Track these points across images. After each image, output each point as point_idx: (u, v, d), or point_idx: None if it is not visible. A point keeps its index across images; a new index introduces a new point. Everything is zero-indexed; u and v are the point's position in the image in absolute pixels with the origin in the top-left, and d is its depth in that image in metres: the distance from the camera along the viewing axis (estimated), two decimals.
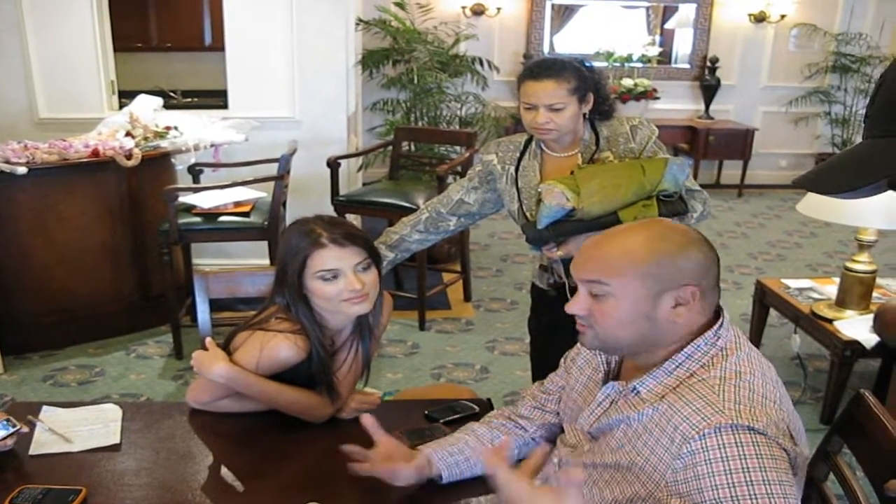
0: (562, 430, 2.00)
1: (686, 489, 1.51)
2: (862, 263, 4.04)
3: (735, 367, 1.62)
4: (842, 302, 4.11)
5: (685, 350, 1.66)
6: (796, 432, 1.58)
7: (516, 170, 2.89)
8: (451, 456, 1.98)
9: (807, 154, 9.63)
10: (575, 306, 1.71)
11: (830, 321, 4.02)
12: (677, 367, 1.66)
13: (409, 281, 5.53)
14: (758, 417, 1.51)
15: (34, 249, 4.55)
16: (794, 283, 4.55)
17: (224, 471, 2.02)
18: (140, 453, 2.13)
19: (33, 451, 2.10)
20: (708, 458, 1.49)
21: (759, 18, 9.14)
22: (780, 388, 1.64)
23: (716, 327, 1.68)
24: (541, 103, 2.68)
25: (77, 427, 2.21)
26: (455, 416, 2.34)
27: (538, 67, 2.75)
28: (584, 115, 2.79)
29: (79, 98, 5.72)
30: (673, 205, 2.65)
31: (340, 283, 2.18)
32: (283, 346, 2.19)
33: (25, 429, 2.08)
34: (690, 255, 1.66)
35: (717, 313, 1.72)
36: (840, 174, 1.28)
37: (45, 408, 2.31)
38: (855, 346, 3.86)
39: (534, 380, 2.89)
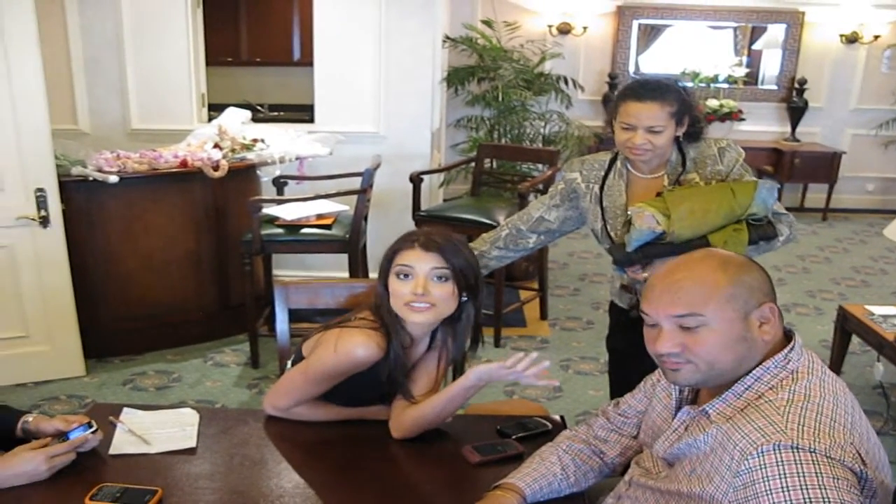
0: (639, 451, 2.00)
1: None
2: None
3: (805, 390, 1.60)
4: None
5: (754, 372, 1.65)
6: (870, 457, 1.55)
7: (601, 189, 2.88)
8: (540, 489, 1.99)
9: None
10: (667, 344, 1.68)
11: None
12: (746, 389, 1.65)
13: (485, 297, 5.51)
14: (820, 440, 1.49)
15: (121, 256, 4.67)
16: (878, 310, 4.42)
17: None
18: (215, 458, 2.17)
19: (113, 450, 2.16)
20: (766, 476, 1.47)
21: (851, 39, 8.94)
22: (855, 415, 1.62)
23: (786, 350, 1.67)
24: (641, 125, 2.66)
25: (155, 429, 2.27)
26: (527, 433, 2.34)
27: (642, 88, 2.71)
28: (677, 137, 2.78)
29: (170, 110, 5.87)
30: (762, 228, 2.63)
31: (410, 284, 2.22)
32: (360, 343, 2.21)
33: (101, 435, 2.14)
34: (754, 274, 1.68)
35: (789, 337, 1.71)
36: None
37: (125, 409, 2.37)
38: None
39: (611, 398, 2.87)
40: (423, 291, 2.21)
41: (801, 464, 1.47)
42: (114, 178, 4.34)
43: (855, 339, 4.58)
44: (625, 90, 2.78)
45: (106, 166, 4.41)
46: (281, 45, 9.08)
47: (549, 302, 5.72)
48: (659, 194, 2.67)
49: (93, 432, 2.09)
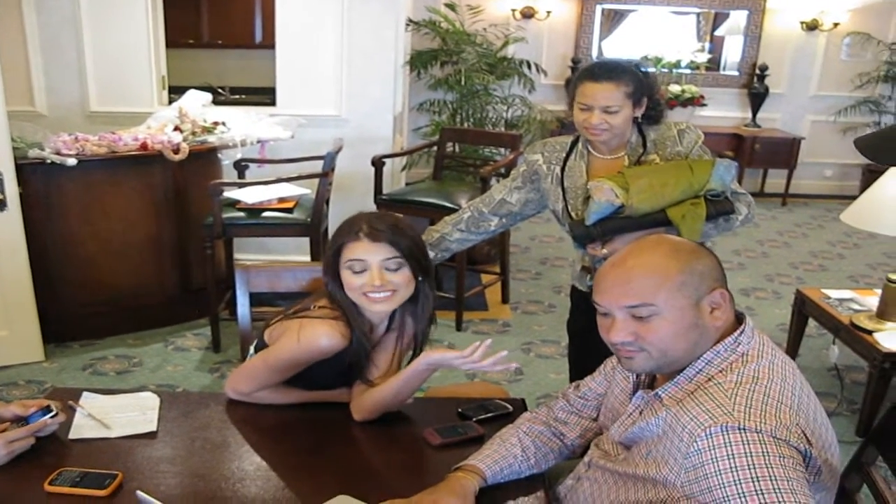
0: (599, 433, 2.02)
1: (695, 489, 1.53)
2: None
3: (753, 372, 1.64)
4: (883, 314, 4.04)
5: (705, 356, 1.69)
6: (816, 437, 1.59)
7: (562, 170, 2.91)
8: (501, 470, 2.00)
9: (854, 164, 9.47)
10: (620, 334, 1.70)
11: (870, 332, 3.96)
12: (697, 372, 1.68)
13: (447, 281, 5.54)
14: (767, 421, 1.52)
15: (80, 240, 4.62)
16: (834, 294, 4.48)
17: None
18: (176, 441, 2.17)
19: (72, 435, 2.14)
20: (714, 457, 1.51)
21: (812, 26, 9.03)
22: (803, 396, 1.65)
23: (736, 334, 1.70)
24: (597, 105, 2.71)
25: (115, 413, 2.25)
26: (488, 415, 2.35)
27: (598, 69, 2.77)
28: (636, 118, 2.81)
29: (130, 92, 5.80)
30: (721, 204, 2.68)
31: (365, 276, 2.21)
32: (323, 334, 2.21)
33: (63, 417, 2.12)
34: (705, 261, 1.71)
35: (740, 320, 1.74)
36: None
37: (85, 394, 2.36)
38: (894, 358, 3.80)
39: (571, 381, 2.90)
40: (380, 283, 2.21)
41: (748, 444, 1.50)
42: (72, 161, 4.28)
43: (812, 323, 4.64)
44: (582, 72, 2.83)
45: (64, 149, 4.36)
46: (242, 27, 9.04)
47: (510, 286, 5.74)
48: (620, 173, 2.71)
49: (52, 417, 2.07)
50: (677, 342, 1.67)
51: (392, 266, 2.23)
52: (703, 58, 9.19)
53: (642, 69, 2.83)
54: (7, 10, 5.38)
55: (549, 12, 8.82)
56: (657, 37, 9.19)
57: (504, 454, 2.01)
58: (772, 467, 1.47)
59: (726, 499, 1.47)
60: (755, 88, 9.08)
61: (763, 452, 1.48)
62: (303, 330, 2.23)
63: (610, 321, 1.72)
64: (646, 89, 2.78)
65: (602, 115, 2.71)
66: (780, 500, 1.43)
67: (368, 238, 2.22)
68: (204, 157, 4.95)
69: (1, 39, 3.98)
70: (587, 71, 2.80)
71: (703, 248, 1.76)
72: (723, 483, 1.48)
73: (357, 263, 2.22)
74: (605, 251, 2.69)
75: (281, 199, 4.80)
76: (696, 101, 8.99)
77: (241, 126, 5.13)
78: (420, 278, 2.32)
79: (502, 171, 5.13)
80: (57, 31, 5.61)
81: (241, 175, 5.26)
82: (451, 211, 3.48)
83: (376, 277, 2.20)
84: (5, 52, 4.11)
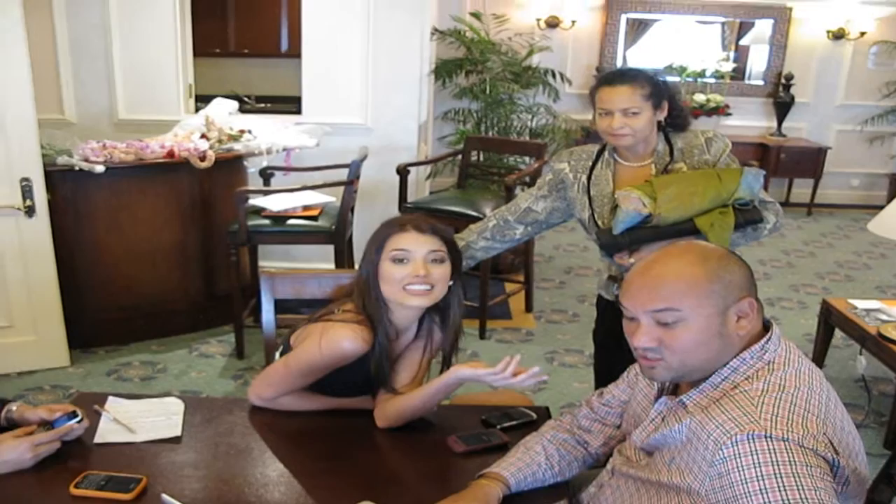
0: (622, 440, 2.01)
1: (720, 498, 1.52)
2: None
3: (780, 380, 1.62)
4: None
5: (731, 363, 1.67)
6: (843, 446, 1.57)
7: (588, 178, 2.90)
8: (525, 479, 2.00)
9: (881, 174, 9.44)
10: (644, 338, 1.69)
11: None
12: (723, 380, 1.67)
13: (471, 290, 5.50)
14: (793, 429, 1.51)
15: (106, 246, 4.65)
16: (861, 304, 4.43)
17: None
18: (200, 446, 2.18)
19: (98, 439, 2.16)
20: (740, 465, 1.49)
21: (838, 35, 8.98)
22: (830, 404, 1.63)
23: (763, 341, 1.68)
24: (616, 108, 2.72)
25: (140, 418, 2.27)
26: (512, 423, 2.34)
27: (612, 75, 2.80)
28: (659, 123, 2.81)
29: (157, 100, 5.86)
30: (749, 213, 2.67)
31: (408, 267, 2.22)
32: (345, 337, 2.21)
33: (88, 422, 2.14)
34: (734, 269, 1.69)
35: (767, 328, 1.72)
36: None
37: (110, 398, 2.37)
38: None
39: (595, 390, 2.90)
40: (424, 273, 2.21)
41: (775, 452, 1.48)
42: (100, 168, 4.32)
43: (838, 333, 4.60)
44: (598, 79, 2.86)
45: (92, 156, 4.39)
46: (269, 36, 9.08)
47: (534, 295, 5.74)
48: (647, 182, 2.70)
49: (78, 421, 2.09)
50: (699, 350, 1.66)
51: (436, 258, 2.25)
52: (728, 67, 9.15)
53: (661, 77, 2.84)
54: (38, 22, 5.43)
55: (573, 22, 8.81)
56: (682, 46, 9.17)
57: (528, 462, 2.01)
58: (799, 476, 1.45)
59: None
60: (780, 97, 9.03)
61: (790, 461, 1.47)
62: (325, 333, 2.23)
63: (635, 325, 1.72)
64: (664, 93, 2.78)
65: (623, 119, 2.71)
66: None
67: (416, 230, 2.25)
68: (230, 165, 4.98)
69: (32, 50, 4.02)
70: (603, 78, 2.83)
71: (734, 256, 1.74)
72: (749, 492, 1.47)
73: (401, 253, 2.23)
74: (632, 260, 2.68)
75: (306, 207, 4.81)
76: (720, 111, 8.95)
77: (266, 134, 5.16)
78: (452, 282, 2.32)
79: (527, 179, 5.13)
80: (86, 42, 5.68)
81: (266, 183, 5.28)
82: (475, 219, 3.48)
83: (420, 268, 2.22)
84: (36, 61, 4.15)
